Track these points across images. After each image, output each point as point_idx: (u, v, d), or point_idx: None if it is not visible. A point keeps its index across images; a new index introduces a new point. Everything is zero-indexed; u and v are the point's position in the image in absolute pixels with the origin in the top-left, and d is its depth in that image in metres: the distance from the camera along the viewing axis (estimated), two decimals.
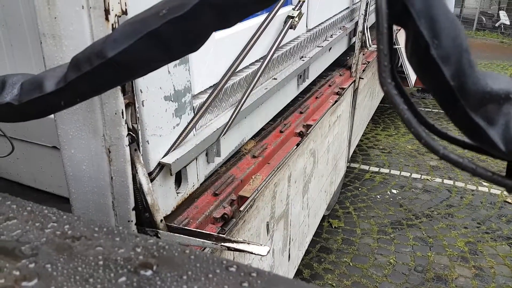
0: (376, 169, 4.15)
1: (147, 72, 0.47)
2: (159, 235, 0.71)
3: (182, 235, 0.73)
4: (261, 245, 0.71)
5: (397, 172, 4.07)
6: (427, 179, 3.92)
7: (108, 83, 0.47)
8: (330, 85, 2.41)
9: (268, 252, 0.73)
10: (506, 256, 2.89)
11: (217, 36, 1.08)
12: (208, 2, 0.40)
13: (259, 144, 1.53)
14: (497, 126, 0.31)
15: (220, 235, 0.75)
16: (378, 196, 3.63)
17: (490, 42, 13.07)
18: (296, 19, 1.50)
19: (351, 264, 2.79)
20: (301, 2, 1.55)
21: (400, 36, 4.60)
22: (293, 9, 1.52)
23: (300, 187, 1.89)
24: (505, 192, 3.74)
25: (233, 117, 1.08)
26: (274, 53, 1.35)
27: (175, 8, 0.41)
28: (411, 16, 0.32)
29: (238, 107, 1.11)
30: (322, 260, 2.84)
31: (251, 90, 1.18)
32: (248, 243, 0.71)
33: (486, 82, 0.32)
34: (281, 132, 1.70)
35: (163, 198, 0.90)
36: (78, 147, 0.67)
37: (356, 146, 4.66)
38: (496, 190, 3.76)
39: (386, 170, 4.12)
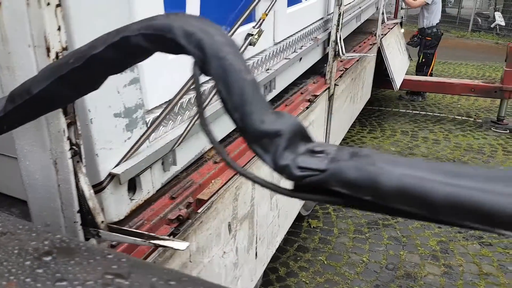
0: None
1: (64, 105, 0.61)
2: (99, 234, 0.84)
3: (118, 234, 0.86)
4: (182, 241, 0.84)
5: None
6: None
7: (35, 113, 0.62)
8: (302, 93, 2.55)
9: (187, 247, 0.87)
10: (475, 255, 3.03)
11: (170, 56, 1.22)
12: (98, 57, 0.53)
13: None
14: (270, 153, 0.44)
15: (151, 234, 0.89)
16: None
17: (485, 43, 13.17)
18: (256, 36, 1.63)
19: (325, 262, 2.93)
20: (261, 20, 1.69)
21: (386, 45, 4.73)
22: (253, 27, 1.66)
23: (267, 192, 2.03)
24: None
25: (187, 130, 1.22)
26: None
27: (78, 59, 0.55)
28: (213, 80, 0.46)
29: (193, 121, 1.25)
30: (299, 258, 2.98)
31: (205, 106, 1.31)
32: (172, 240, 0.84)
33: (264, 123, 0.45)
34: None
35: (116, 204, 1.04)
36: (31, 159, 0.80)
37: None
38: None
39: None
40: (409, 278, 2.78)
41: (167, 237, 0.85)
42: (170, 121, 1.22)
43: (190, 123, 1.26)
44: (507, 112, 5.94)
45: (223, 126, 1.65)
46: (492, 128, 5.41)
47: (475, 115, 5.93)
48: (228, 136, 1.76)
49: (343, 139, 5.01)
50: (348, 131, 5.24)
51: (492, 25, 14.72)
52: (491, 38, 14.05)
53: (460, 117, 5.84)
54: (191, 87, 1.30)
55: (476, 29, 15.15)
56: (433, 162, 0.43)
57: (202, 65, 0.46)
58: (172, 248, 0.84)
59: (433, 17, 6.03)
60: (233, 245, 1.72)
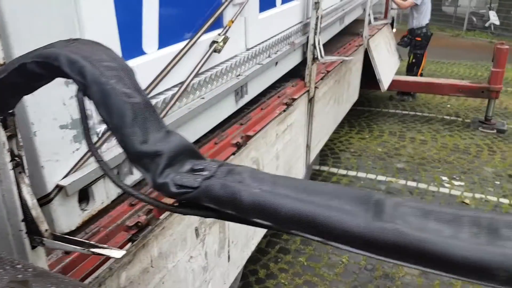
0: (344, 172, 4.32)
1: None
2: (43, 242, 0.87)
3: (61, 242, 0.89)
4: (118, 250, 0.87)
5: (364, 175, 4.24)
6: (392, 181, 4.09)
7: None
8: (279, 96, 2.57)
9: (123, 256, 0.89)
10: None
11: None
12: (4, 81, 0.56)
13: None
14: (150, 172, 0.47)
15: (91, 242, 0.91)
16: None
17: (479, 42, 13.19)
18: (221, 43, 1.66)
19: (305, 263, 2.96)
20: (227, 27, 1.71)
21: (374, 46, 4.75)
22: (219, 34, 1.68)
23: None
24: (464, 193, 3.91)
25: None
26: (193, 78, 1.51)
27: (2, 72, 0.57)
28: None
29: None
30: (279, 260, 3.01)
31: (165, 114, 1.34)
32: (111, 249, 0.87)
33: (145, 143, 0.48)
34: (215, 144, 1.86)
35: (65, 216, 1.06)
36: None
37: (329, 150, 4.83)
38: (456, 191, 3.93)
39: (353, 173, 4.28)
40: (387, 278, 2.81)
41: (105, 246, 0.87)
42: None
43: None
44: (495, 112, 5.99)
45: (194, 129, 1.68)
46: (479, 128, 5.45)
47: (464, 115, 5.96)
48: (198, 141, 1.78)
49: (331, 140, 5.04)
50: (336, 132, 5.27)
51: (487, 24, 14.75)
52: (486, 37, 14.08)
53: (448, 117, 5.87)
54: (148, 96, 1.32)
55: (471, 28, 15.17)
56: (292, 179, 0.46)
57: (84, 90, 0.49)
58: (108, 256, 0.86)
59: (423, 18, 6.05)
60: (202, 249, 1.75)
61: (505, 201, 3.78)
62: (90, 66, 0.48)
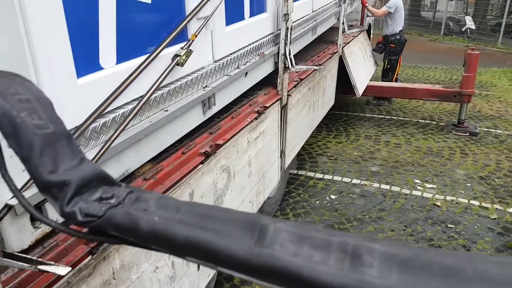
0: (321, 176, 4.38)
1: None
2: None
3: (9, 260, 0.91)
4: (64, 267, 0.89)
5: (339, 178, 4.31)
6: (366, 184, 4.17)
7: None
8: (251, 105, 2.61)
9: (68, 272, 0.91)
10: None
11: (80, 81, 1.25)
12: None
13: (155, 167, 1.71)
14: (58, 201, 0.50)
15: (39, 259, 0.93)
16: (317, 202, 3.85)
17: (456, 46, 13.51)
18: (183, 57, 1.68)
19: None
20: (190, 41, 1.74)
21: (349, 53, 4.85)
22: (182, 47, 1.71)
23: (210, 202, 2.08)
24: (436, 195, 4.01)
25: (98, 155, 1.26)
26: (154, 91, 1.53)
27: None
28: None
29: (106, 146, 1.29)
30: None
31: (122, 129, 1.35)
32: (57, 265, 0.89)
33: (53, 173, 0.50)
34: (183, 153, 1.88)
35: (17, 235, 1.07)
36: None
37: (307, 154, 4.89)
38: (428, 194, 4.03)
39: (329, 177, 4.35)
40: None
41: (51, 263, 0.89)
42: (80, 146, 1.25)
43: (104, 145, 1.30)
44: (469, 115, 6.16)
45: (158, 142, 1.70)
46: (453, 131, 5.60)
47: (438, 118, 6.11)
48: (165, 151, 1.80)
49: (309, 144, 5.12)
50: (314, 136, 5.35)
51: (463, 29, 15.14)
52: (462, 41, 14.44)
53: (423, 121, 6.01)
54: (105, 111, 1.34)
55: (448, 33, 15.55)
56: (195, 205, 0.49)
57: None
58: (54, 273, 0.88)
59: (396, 25, 6.20)
60: (168, 259, 1.76)
61: (475, 202, 3.90)
62: (1, 100, 0.50)
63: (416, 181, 4.27)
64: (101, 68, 1.35)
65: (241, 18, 2.31)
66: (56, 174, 0.49)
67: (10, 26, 1.01)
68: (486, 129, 5.72)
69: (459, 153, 4.96)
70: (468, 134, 5.52)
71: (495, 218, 3.63)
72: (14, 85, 0.53)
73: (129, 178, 1.58)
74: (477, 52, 5.43)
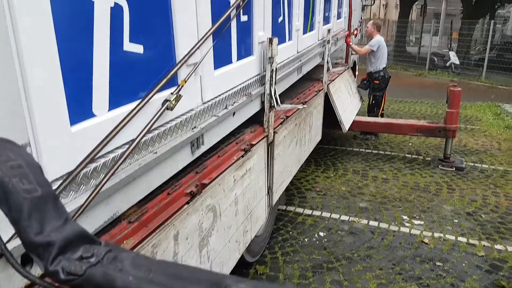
0: (310, 212, 4.40)
1: None
2: None
3: None
4: None
5: (328, 214, 4.33)
6: (354, 221, 4.19)
7: None
8: (237, 143, 2.67)
9: None
10: None
11: (73, 129, 1.30)
12: None
13: (140, 209, 1.73)
14: (43, 260, 0.54)
15: None
16: (306, 240, 3.86)
17: (441, 81, 13.96)
18: (173, 102, 1.75)
19: None
20: (180, 87, 1.82)
21: (334, 90, 5.01)
22: (172, 93, 1.78)
23: (195, 243, 2.09)
24: (424, 232, 4.05)
25: (88, 201, 1.29)
26: (144, 135, 1.59)
27: None
28: None
29: (95, 191, 1.32)
30: None
31: (112, 174, 1.40)
32: None
33: (39, 234, 0.55)
34: (168, 194, 1.91)
35: (7, 281, 1.09)
36: None
37: (295, 189, 4.93)
38: (416, 230, 4.07)
39: (318, 213, 4.38)
40: None
41: None
42: (72, 192, 1.29)
43: (94, 190, 1.34)
44: (455, 149, 6.31)
45: (147, 183, 1.73)
46: (439, 166, 5.70)
47: (424, 153, 6.24)
48: (151, 193, 1.83)
49: (298, 179, 5.17)
50: (303, 171, 5.41)
51: (448, 64, 15.70)
52: (447, 76, 14.92)
53: (410, 156, 6.13)
54: (96, 156, 1.38)
55: (433, 68, 16.09)
56: (167, 265, 0.54)
57: None
58: None
59: (380, 63, 6.44)
60: None
61: (463, 239, 3.93)
62: None
63: (404, 217, 4.31)
64: (94, 116, 1.40)
65: (229, 62, 2.41)
66: (41, 235, 0.54)
67: (8, 77, 1.06)
68: (472, 164, 5.84)
69: (445, 188, 5.04)
70: (454, 169, 5.63)
71: (482, 255, 3.66)
72: (6, 151, 0.58)
73: (114, 221, 1.60)
74: (459, 88, 5.64)
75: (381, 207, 4.52)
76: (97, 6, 1.37)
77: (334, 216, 4.30)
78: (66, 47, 1.23)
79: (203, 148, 2.20)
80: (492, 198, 4.77)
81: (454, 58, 15.55)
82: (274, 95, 2.88)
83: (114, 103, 1.50)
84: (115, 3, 1.46)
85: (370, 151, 6.28)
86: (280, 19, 3.11)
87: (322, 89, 4.61)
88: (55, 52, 1.19)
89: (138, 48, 1.61)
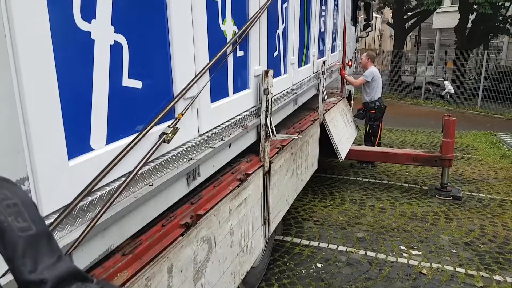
0: (307, 242, 4.37)
1: None
2: None
3: None
4: None
5: (325, 245, 4.30)
6: (352, 252, 4.16)
7: None
8: (233, 173, 2.70)
9: None
10: None
11: (71, 163, 1.33)
12: None
13: (134, 241, 1.74)
14: None
15: None
16: (303, 271, 3.81)
17: (437, 110, 14.13)
18: (170, 135, 1.79)
19: None
20: (177, 120, 1.86)
21: (330, 119, 5.08)
22: (169, 126, 1.82)
23: (190, 275, 2.08)
24: (422, 263, 4.01)
25: (83, 234, 1.31)
26: (141, 167, 1.62)
27: None
28: None
29: (91, 224, 1.34)
30: None
31: (108, 207, 1.42)
32: None
33: (33, 272, 0.57)
34: (163, 226, 1.92)
35: None
36: None
37: (292, 218, 4.91)
38: (414, 261, 4.03)
39: (315, 243, 4.34)
40: None
41: None
42: (68, 225, 1.30)
43: (90, 223, 1.35)
44: (452, 178, 6.33)
45: (142, 216, 1.74)
46: (436, 195, 5.71)
47: (421, 182, 6.25)
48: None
49: (295, 208, 5.16)
50: (300, 200, 5.41)
51: (443, 93, 15.93)
52: (442, 105, 15.10)
53: (407, 185, 6.14)
54: (93, 190, 1.41)
55: (428, 97, 16.32)
56: None
57: None
58: None
59: (375, 93, 6.56)
60: None
61: (461, 270, 3.89)
62: None
63: (402, 247, 4.28)
64: (92, 150, 1.43)
65: (226, 95, 2.48)
66: (35, 273, 0.56)
67: (9, 113, 1.10)
68: (469, 193, 5.85)
69: (443, 218, 5.03)
70: (451, 198, 5.63)
71: (481, 286, 3.62)
72: (3, 190, 0.61)
73: (108, 253, 1.61)
74: (454, 118, 5.72)
75: (379, 237, 4.49)
76: (97, 44, 1.43)
77: (332, 246, 4.27)
78: (66, 83, 1.28)
79: (199, 180, 2.22)
80: (490, 228, 4.75)
81: (449, 88, 15.79)
82: (270, 125, 2.94)
83: (111, 136, 1.54)
84: (115, 41, 1.52)
85: (367, 180, 6.30)
86: (276, 53, 3.21)
87: (318, 118, 4.68)
88: (55, 87, 1.23)
89: (137, 84, 1.66)
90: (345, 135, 5.74)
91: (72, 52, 1.32)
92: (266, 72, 2.81)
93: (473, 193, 5.84)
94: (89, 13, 1.37)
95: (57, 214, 1.27)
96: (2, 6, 1.05)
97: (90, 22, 1.38)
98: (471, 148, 8.39)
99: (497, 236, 4.56)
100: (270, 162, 3.19)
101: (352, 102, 7.56)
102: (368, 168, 6.74)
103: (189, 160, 2.08)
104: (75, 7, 1.31)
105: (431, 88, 16.69)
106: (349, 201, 5.47)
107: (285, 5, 3.28)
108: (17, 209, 0.60)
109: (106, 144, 1.51)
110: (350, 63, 7.32)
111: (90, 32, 1.39)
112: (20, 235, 0.58)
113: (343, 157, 5.27)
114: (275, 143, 3.44)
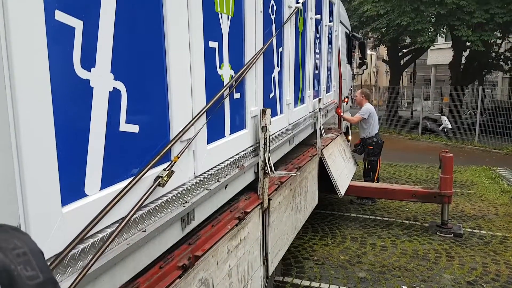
0: (308, 283, 4.27)
1: None
2: None
3: None
4: None
5: (327, 286, 4.19)
6: None
7: None
8: (231, 211, 2.67)
9: None
10: None
11: (64, 210, 1.33)
12: None
13: (130, 285, 1.70)
14: None
15: None
16: None
17: (435, 145, 14.19)
18: (165, 178, 1.79)
19: None
20: (172, 163, 1.87)
21: (328, 155, 5.11)
22: (164, 169, 1.83)
23: None
24: None
25: (74, 284, 1.28)
26: (135, 213, 1.61)
27: None
28: None
29: (82, 273, 1.32)
30: None
31: (100, 254, 1.40)
32: None
33: None
34: (160, 268, 1.88)
35: None
36: None
37: (292, 258, 4.82)
38: None
39: (316, 284, 4.24)
40: None
41: None
42: (58, 275, 1.28)
43: (81, 272, 1.33)
44: (452, 215, 6.26)
45: (134, 264, 1.71)
46: (437, 232, 5.63)
47: (422, 219, 6.18)
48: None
49: (295, 247, 5.07)
50: (300, 238, 5.33)
51: (440, 128, 16.05)
52: (440, 140, 15.18)
53: (407, 222, 6.07)
54: (86, 237, 1.39)
55: (426, 132, 16.43)
56: None
57: None
58: None
59: (372, 129, 6.63)
60: None
61: None
62: (2, 255, 0.60)
63: (404, 287, 4.18)
64: (86, 195, 1.43)
65: (222, 135, 2.50)
66: None
67: (4, 162, 1.10)
68: (470, 230, 5.78)
69: (445, 256, 4.94)
70: (452, 235, 5.55)
71: None
72: (13, 239, 0.64)
73: None
74: (451, 154, 5.74)
75: (380, 276, 4.39)
76: (96, 91, 1.46)
77: (333, 287, 4.16)
78: (63, 129, 1.29)
79: (193, 224, 2.18)
80: (493, 266, 4.65)
81: (446, 123, 15.93)
82: (268, 162, 2.95)
83: (106, 182, 1.53)
84: (114, 87, 1.55)
85: (367, 216, 6.23)
86: (272, 94, 3.28)
87: (316, 154, 4.70)
88: (52, 134, 1.25)
89: (134, 128, 1.68)
90: (344, 170, 5.74)
91: (70, 100, 1.34)
92: (264, 111, 2.85)
93: (474, 230, 5.76)
94: (89, 62, 1.41)
95: (48, 264, 1.25)
96: (3, 51, 1.08)
97: (89, 71, 1.42)
98: (471, 183, 8.36)
99: (500, 274, 4.46)
100: (269, 199, 3.18)
101: (350, 137, 7.62)
102: (368, 205, 6.69)
103: (183, 204, 2.06)
104: (75, 56, 1.35)
105: (428, 123, 16.84)
106: (350, 239, 5.38)
107: (280, 49, 3.39)
108: (26, 258, 0.63)
109: (100, 190, 1.51)
110: (346, 100, 7.44)
111: (89, 80, 1.42)
112: (28, 283, 0.60)
113: (343, 193, 5.25)
114: (274, 179, 3.43)
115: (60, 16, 1.28)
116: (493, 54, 17.02)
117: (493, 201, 7.11)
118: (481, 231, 5.72)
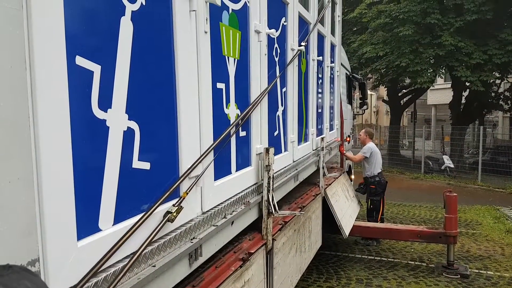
0: None
1: None
2: None
3: None
4: None
5: None
6: None
7: None
8: (235, 252, 2.68)
9: None
10: None
11: (79, 244, 1.37)
12: None
13: None
14: None
15: None
16: None
17: (437, 184, 14.09)
18: (175, 213, 1.84)
19: None
20: (181, 199, 1.93)
21: (331, 194, 5.13)
22: (173, 205, 1.88)
23: None
24: None
25: None
26: (145, 248, 1.64)
27: None
28: None
29: None
30: None
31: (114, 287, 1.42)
32: None
33: None
34: None
35: None
36: None
37: None
38: None
39: None
40: None
41: None
42: None
43: None
44: (458, 255, 6.16)
45: None
46: (443, 274, 5.52)
47: (428, 260, 6.08)
48: None
49: None
50: (305, 280, 5.23)
51: (443, 167, 16.03)
52: (443, 179, 15.09)
53: (413, 262, 5.97)
54: (99, 271, 1.43)
55: (428, 171, 16.39)
56: None
57: None
58: None
59: (374, 168, 6.67)
60: None
61: None
62: None
63: None
64: (99, 230, 1.48)
65: (229, 172, 2.57)
66: None
67: (26, 195, 1.17)
68: (477, 271, 5.66)
69: None
70: (459, 276, 5.45)
71: None
72: (24, 281, 0.68)
73: None
74: (455, 194, 5.74)
75: None
76: (111, 130, 1.55)
77: None
78: (81, 166, 1.37)
79: (201, 260, 2.20)
80: None
81: (448, 162, 15.93)
82: (272, 201, 2.98)
83: (119, 217, 1.59)
84: (128, 127, 1.64)
85: (372, 257, 6.14)
86: (276, 132, 3.37)
87: (320, 193, 4.72)
88: (70, 171, 1.32)
89: (146, 165, 1.75)
90: (347, 210, 5.73)
91: (87, 138, 1.43)
92: (267, 150, 2.93)
93: (480, 271, 5.65)
94: (105, 103, 1.51)
95: None
96: (29, 92, 1.17)
97: (106, 111, 1.51)
98: (475, 223, 8.27)
99: None
100: (273, 239, 3.18)
101: (353, 176, 7.65)
102: (373, 245, 6.60)
103: (191, 239, 2.09)
104: (93, 98, 1.45)
105: (430, 163, 16.85)
106: (355, 280, 5.28)
107: (284, 89, 3.53)
108: None
109: (113, 225, 1.56)
110: (348, 139, 7.55)
111: (105, 120, 1.51)
112: None
113: (347, 234, 5.21)
114: (278, 219, 3.44)
115: (81, 61, 1.38)
116: (493, 94, 17.30)
117: (499, 241, 7.01)
118: (488, 272, 5.61)
